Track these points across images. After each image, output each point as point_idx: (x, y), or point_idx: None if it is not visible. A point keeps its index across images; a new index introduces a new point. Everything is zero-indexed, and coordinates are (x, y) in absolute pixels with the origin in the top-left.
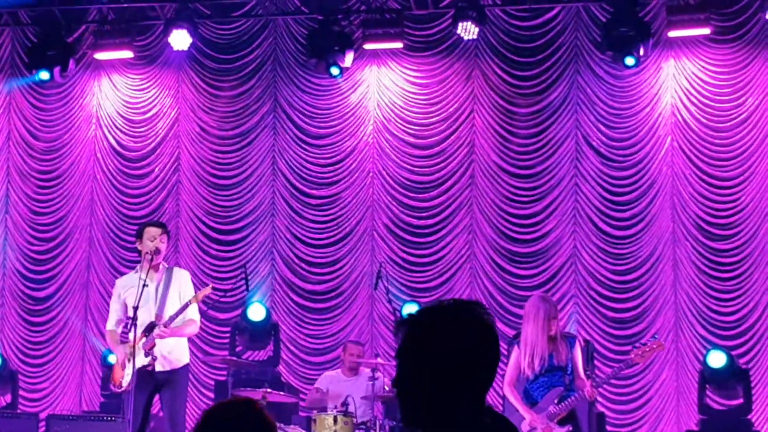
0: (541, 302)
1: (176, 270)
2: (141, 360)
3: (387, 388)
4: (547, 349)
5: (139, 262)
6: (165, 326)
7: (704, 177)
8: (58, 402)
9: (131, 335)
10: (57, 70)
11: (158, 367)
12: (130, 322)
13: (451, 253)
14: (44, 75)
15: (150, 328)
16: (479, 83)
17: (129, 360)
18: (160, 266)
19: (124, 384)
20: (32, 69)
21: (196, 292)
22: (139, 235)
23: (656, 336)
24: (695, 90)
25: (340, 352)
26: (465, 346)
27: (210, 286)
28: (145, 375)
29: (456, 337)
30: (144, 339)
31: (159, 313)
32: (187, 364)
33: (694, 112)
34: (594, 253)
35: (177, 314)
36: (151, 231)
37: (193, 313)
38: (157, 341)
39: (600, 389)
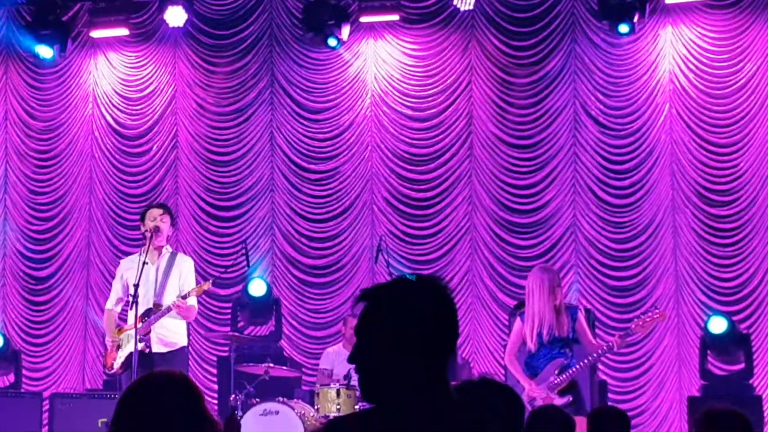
0: (544, 273)
1: (180, 256)
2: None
3: None
4: (554, 320)
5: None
6: (184, 298)
7: (703, 144)
8: (62, 381)
9: (131, 313)
10: (56, 48)
11: (155, 349)
12: (130, 300)
13: (450, 225)
14: (46, 51)
15: (147, 314)
16: (476, 54)
17: (119, 346)
18: (164, 250)
19: (116, 366)
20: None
21: (197, 284)
22: (142, 218)
23: (657, 306)
24: (693, 57)
25: (341, 326)
26: (424, 317)
27: (210, 281)
28: (142, 357)
29: (415, 308)
30: (140, 324)
31: (158, 300)
32: (185, 347)
33: (692, 78)
34: (594, 221)
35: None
36: (153, 212)
37: (193, 300)
38: (154, 326)
39: (602, 358)
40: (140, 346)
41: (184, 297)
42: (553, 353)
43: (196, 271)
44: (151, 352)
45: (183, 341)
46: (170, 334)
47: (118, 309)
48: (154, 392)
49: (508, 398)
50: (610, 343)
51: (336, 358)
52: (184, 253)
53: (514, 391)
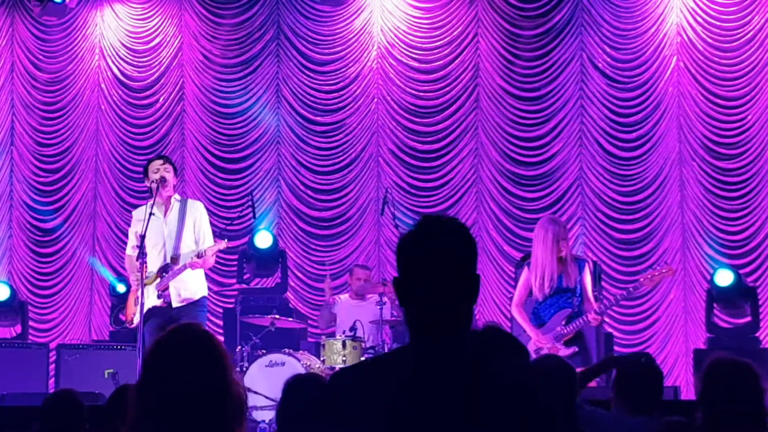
0: (550, 224)
1: (191, 203)
2: (153, 301)
3: (395, 313)
4: (557, 271)
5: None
6: (198, 257)
7: (710, 97)
8: (68, 332)
9: (151, 264)
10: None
11: (175, 303)
12: (138, 252)
13: (456, 177)
14: None
15: (165, 269)
16: (483, 6)
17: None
18: (172, 200)
19: (135, 321)
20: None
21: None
22: (145, 173)
23: (667, 261)
24: (701, 9)
25: (347, 277)
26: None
27: (226, 240)
28: (161, 310)
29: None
30: (158, 279)
31: (175, 252)
32: (205, 297)
33: (700, 31)
34: (600, 174)
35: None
36: (155, 164)
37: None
38: (171, 282)
39: (608, 311)
40: (159, 302)
41: (200, 256)
42: (560, 303)
43: None
44: (170, 306)
45: (202, 292)
46: (188, 287)
47: (136, 254)
48: (179, 354)
49: (511, 347)
50: (598, 308)
51: (342, 306)
52: None
53: (518, 339)
